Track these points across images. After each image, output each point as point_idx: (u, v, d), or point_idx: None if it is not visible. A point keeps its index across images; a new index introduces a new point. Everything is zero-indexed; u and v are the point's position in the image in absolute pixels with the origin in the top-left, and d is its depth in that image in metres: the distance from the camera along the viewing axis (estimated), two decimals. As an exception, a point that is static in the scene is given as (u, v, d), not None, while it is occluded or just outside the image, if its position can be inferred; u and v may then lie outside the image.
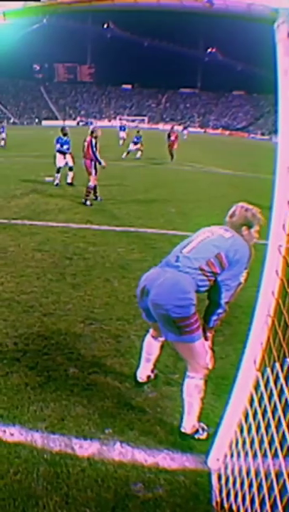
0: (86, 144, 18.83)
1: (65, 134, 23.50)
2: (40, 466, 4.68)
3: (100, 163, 18.70)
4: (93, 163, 18.78)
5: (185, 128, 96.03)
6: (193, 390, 5.28)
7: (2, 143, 47.07)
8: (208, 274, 5.08)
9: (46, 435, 5.16)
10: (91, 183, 18.90)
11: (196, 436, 5.39)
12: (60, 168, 23.42)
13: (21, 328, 7.75)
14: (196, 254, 5.18)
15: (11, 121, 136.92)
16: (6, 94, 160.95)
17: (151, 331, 6.17)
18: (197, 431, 5.41)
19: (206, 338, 5.28)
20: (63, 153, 23.44)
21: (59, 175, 23.33)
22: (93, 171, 18.94)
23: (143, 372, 6.33)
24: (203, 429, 5.43)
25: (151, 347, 6.21)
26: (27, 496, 4.31)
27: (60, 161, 23.53)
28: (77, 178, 22.47)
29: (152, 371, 6.43)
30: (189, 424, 5.38)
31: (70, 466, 4.72)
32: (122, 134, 56.93)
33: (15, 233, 13.60)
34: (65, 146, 23.38)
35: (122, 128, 59.24)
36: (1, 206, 17.41)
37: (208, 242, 5.27)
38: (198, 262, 5.08)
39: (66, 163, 23.53)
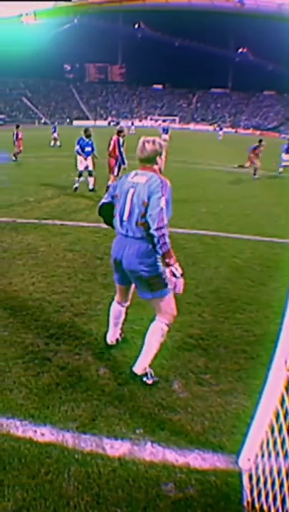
0: (112, 142, 19.18)
1: (88, 136, 21.71)
2: (71, 466, 4.70)
3: (124, 163, 18.90)
4: (118, 162, 19.00)
5: (220, 128, 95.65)
6: (157, 331, 6.12)
7: (52, 143, 47.69)
8: (144, 221, 5.77)
9: (77, 435, 5.18)
10: (110, 182, 19.06)
11: (144, 380, 6.07)
12: (81, 172, 22.03)
13: (52, 328, 7.81)
14: (133, 217, 5.87)
15: (42, 121, 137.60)
16: (37, 94, 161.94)
17: (116, 297, 7.00)
18: (146, 374, 6.12)
19: (168, 265, 5.63)
20: (85, 156, 21.74)
21: (80, 179, 22.11)
22: (116, 170, 19.21)
23: (113, 336, 7.23)
24: (151, 375, 6.13)
25: (117, 312, 7.05)
26: (58, 496, 4.33)
27: (80, 165, 21.99)
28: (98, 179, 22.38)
29: (120, 334, 7.23)
30: (142, 365, 6.11)
31: (101, 466, 4.74)
32: (165, 137, 54.05)
33: (46, 233, 13.68)
34: (87, 149, 21.63)
35: (165, 130, 58.27)
36: (32, 206, 17.52)
37: (135, 199, 5.86)
38: (136, 221, 5.84)
39: (86, 167, 22.01)
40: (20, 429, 5.26)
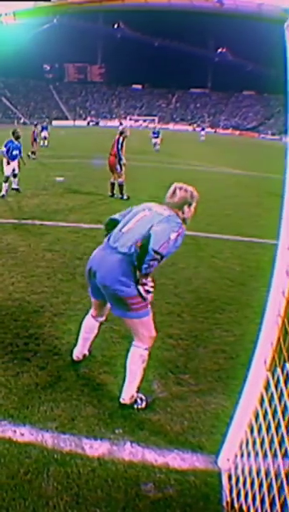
0: (114, 141, 20.01)
1: (17, 138, 20.72)
2: (51, 466, 4.70)
3: (120, 159, 19.66)
4: (117, 159, 19.68)
5: (202, 129, 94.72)
6: (137, 359, 5.72)
7: (42, 143, 47.25)
8: (142, 243, 5.32)
9: (56, 435, 5.18)
10: (121, 180, 20.16)
11: (136, 407, 5.74)
12: (7, 176, 20.18)
13: (32, 328, 7.79)
14: (133, 234, 5.53)
15: (22, 121, 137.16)
16: (16, 94, 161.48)
17: (91, 311, 6.52)
18: (136, 401, 5.80)
19: (142, 284, 5.43)
20: (11, 159, 20.16)
21: (7, 184, 20.13)
22: (118, 167, 19.87)
23: (80, 351, 6.78)
24: (141, 400, 5.82)
25: (90, 327, 6.56)
26: (37, 496, 4.32)
27: (7, 169, 20.12)
28: (79, 181, 22.32)
29: (89, 350, 6.85)
30: (128, 394, 5.76)
31: (81, 466, 4.74)
32: (156, 141, 51.70)
33: (25, 233, 13.64)
34: (14, 152, 20.31)
35: (155, 134, 53.28)
36: (11, 206, 17.49)
37: (144, 220, 5.56)
38: (134, 240, 5.45)
39: (14, 170, 20.51)
40: (0, 429, 5.25)
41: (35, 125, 34.91)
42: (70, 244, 12.69)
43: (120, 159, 19.75)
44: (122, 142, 19.82)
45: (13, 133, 20.88)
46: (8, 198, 19.06)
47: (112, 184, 20.68)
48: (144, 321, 5.68)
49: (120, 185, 20.26)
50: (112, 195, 20.57)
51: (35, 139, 34.53)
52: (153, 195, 15.65)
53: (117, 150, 19.61)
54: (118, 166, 19.76)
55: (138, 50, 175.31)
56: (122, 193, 20.32)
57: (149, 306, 5.59)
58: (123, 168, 20.01)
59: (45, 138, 48.06)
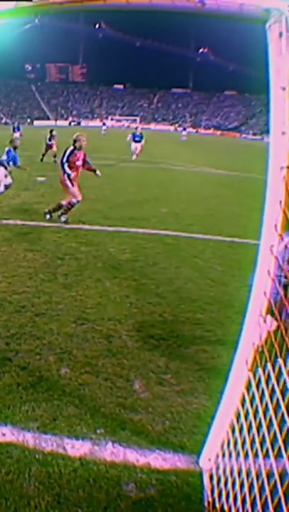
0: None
1: (14, 148, 18.70)
2: (32, 466, 4.69)
3: (67, 174, 15.44)
4: (65, 175, 15.56)
5: (184, 129, 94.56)
6: None
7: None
8: None
9: (38, 435, 5.16)
10: (74, 200, 15.61)
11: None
12: None
13: (13, 328, 7.76)
14: None
15: (3, 121, 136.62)
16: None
17: None
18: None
19: None
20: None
21: None
22: (68, 183, 15.66)
23: None
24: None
25: None
26: (19, 496, 4.31)
27: None
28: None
29: None
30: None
31: (62, 466, 4.73)
32: (136, 145, 39.57)
33: (6, 233, 13.57)
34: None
35: (138, 137, 39.74)
36: (-7, 206, 17.38)
37: None
38: None
39: None
40: (-19, 429, 5.23)
41: (51, 132, 33.95)
42: (51, 244, 12.65)
43: (67, 174, 15.31)
44: (71, 153, 15.67)
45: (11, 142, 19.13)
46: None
47: None
48: None
49: (71, 205, 15.60)
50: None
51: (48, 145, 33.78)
52: (132, 199, 15.65)
53: (61, 163, 15.56)
54: (68, 183, 15.52)
55: (120, 50, 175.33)
56: (63, 213, 15.84)
57: None
58: (74, 185, 15.66)
59: (16, 139, 46.18)
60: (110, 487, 4.52)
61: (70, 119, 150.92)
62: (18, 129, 48.83)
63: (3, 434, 5.13)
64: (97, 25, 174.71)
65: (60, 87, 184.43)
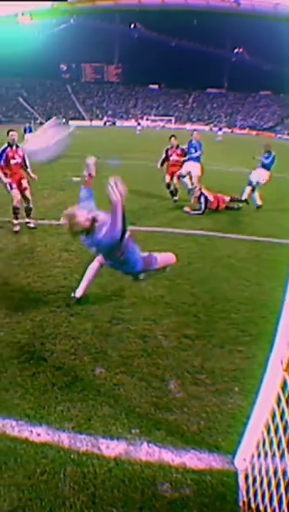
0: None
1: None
2: (67, 466, 4.71)
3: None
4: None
5: (220, 129, 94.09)
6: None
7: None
8: None
9: (73, 435, 5.19)
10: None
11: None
12: None
13: (48, 328, 7.83)
14: None
15: (38, 121, 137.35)
16: (33, 95, 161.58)
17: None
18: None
19: None
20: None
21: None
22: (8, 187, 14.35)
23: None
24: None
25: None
26: (54, 496, 4.33)
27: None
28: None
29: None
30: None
31: (97, 466, 4.75)
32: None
33: (42, 233, 13.68)
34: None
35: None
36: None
37: None
38: None
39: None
40: (16, 429, 5.27)
41: None
42: (86, 244, 12.62)
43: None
44: (3, 151, 14.32)
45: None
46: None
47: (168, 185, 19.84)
48: None
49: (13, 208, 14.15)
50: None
51: None
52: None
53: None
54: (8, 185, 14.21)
55: (155, 50, 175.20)
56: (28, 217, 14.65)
57: None
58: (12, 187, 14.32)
59: (28, 141, 42.90)
60: (145, 487, 4.53)
61: (105, 119, 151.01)
62: (30, 130, 43.78)
63: (38, 434, 5.16)
64: (132, 25, 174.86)
65: (95, 87, 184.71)
